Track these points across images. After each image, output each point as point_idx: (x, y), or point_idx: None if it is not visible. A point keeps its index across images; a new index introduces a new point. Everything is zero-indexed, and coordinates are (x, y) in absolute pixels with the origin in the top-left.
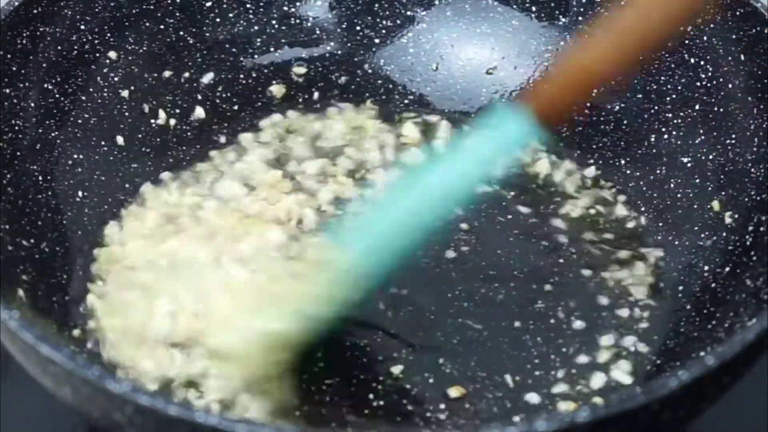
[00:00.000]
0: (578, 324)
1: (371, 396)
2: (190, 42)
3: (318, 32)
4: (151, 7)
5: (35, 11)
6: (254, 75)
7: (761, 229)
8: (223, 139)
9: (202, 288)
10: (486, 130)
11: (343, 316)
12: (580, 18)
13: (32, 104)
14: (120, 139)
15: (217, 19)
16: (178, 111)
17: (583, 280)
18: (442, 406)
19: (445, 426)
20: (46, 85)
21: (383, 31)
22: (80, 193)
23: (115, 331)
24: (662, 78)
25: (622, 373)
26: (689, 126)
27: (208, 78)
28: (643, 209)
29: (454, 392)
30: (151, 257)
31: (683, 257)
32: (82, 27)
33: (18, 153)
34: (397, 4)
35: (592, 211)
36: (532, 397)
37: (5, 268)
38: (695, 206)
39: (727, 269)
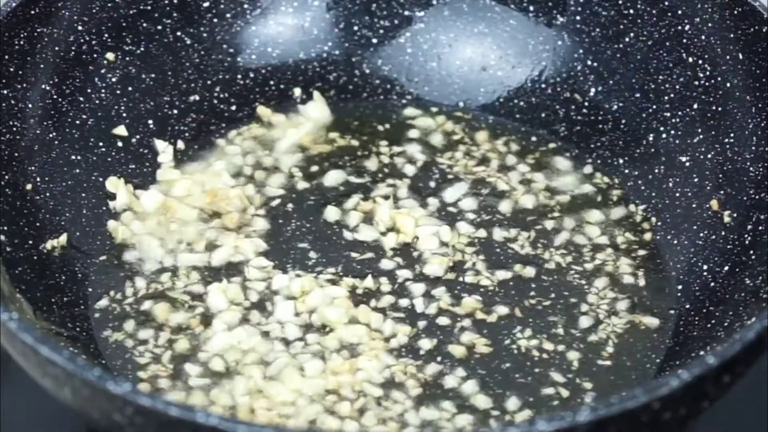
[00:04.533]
0: (574, 323)
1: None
2: (188, 43)
3: (316, 32)
4: (149, 8)
5: (33, 12)
6: (252, 75)
7: (760, 228)
8: (221, 140)
9: None
10: None
11: None
12: (577, 17)
13: (30, 105)
14: (118, 141)
15: (215, 20)
16: (175, 111)
17: (580, 279)
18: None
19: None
20: (44, 86)
21: (381, 31)
22: (79, 194)
23: None
24: (661, 77)
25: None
26: (688, 125)
27: (205, 79)
28: (641, 208)
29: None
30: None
31: (682, 256)
32: (80, 28)
33: (16, 154)
34: (394, 4)
35: (590, 211)
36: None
37: (5, 269)
38: (694, 205)
39: (726, 268)
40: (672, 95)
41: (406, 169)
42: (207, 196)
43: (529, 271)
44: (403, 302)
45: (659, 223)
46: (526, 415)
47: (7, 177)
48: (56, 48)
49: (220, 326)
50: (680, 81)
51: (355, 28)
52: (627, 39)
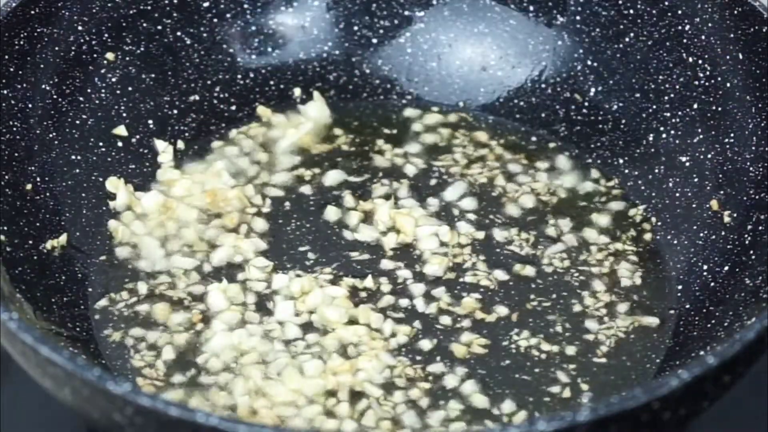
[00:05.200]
0: (573, 323)
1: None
2: (188, 43)
3: (316, 32)
4: (149, 7)
5: (33, 12)
6: (252, 75)
7: (760, 228)
8: (221, 140)
9: None
10: None
11: None
12: (577, 17)
13: (30, 105)
14: (118, 141)
15: (215, 20)
16: (175, 111)
17: (580, 279)
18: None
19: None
20: (44, 87)
21: (381, 31)
22: (79, 194)
23: None
24: (661, 77)
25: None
26: (688, 125)
27: (205, 79)
28: (641, 208)
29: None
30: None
31: (682, 256)
32: (80, 28)
33: (16, 154)
34: (394, 4)
35: (590, 211)
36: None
37: (5, 269)
38: (694, 205)
39: (726, 268)
40: (672, 95)
41: (407, 169)
42: (207, 196)
43: (529, 271)
44: (403, 302)
45: (659, 223)
46: (526, 415)
47: (7, 177)
48: (56, 48)
49: (220, 326)
50: (680, 81)
51: (355, 28)
52: (627, 39)
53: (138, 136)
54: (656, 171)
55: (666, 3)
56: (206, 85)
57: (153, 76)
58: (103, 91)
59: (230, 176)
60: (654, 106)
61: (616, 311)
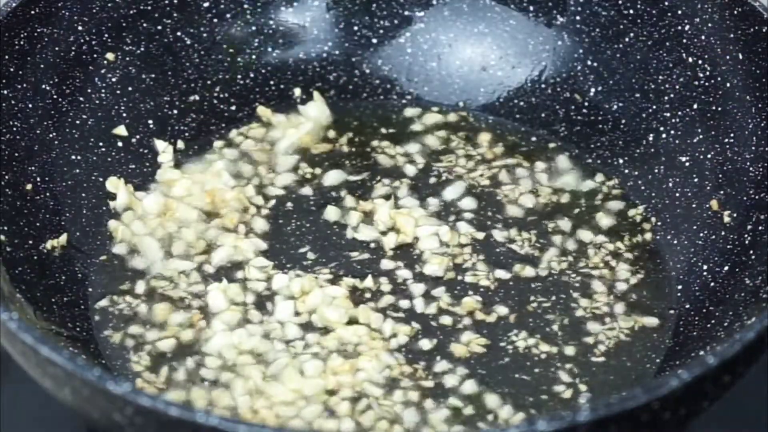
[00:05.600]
0: (574, 323)
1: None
2: (188, 43)
3: (316, 32)
4: (149, 8)
5: (33, 12)
6: (252, 75)
7: (760, 228)
8: (221, 140)
9: None
10: None
11: None
12: (577, 17)
13: (30, 105)
14: (118, 141)
15: (215, 20)
16: (175, 112)
17: (580, 279)
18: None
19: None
20: (44, 87)
21: (381, 31)
22: (79, 194)
23: None
24: (660, 77)
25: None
26: (688, 125)
27: (205, 79)
28: (641, 208)
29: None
30: None
31: (682, 256)
32: (80, 28)
33: (16, 154)
34: (394, 4)
35: (590, 211)
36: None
37: (5, 269)
38: (694, 205)
39: (726, 268)
40: (672, 95)
41: (406, 169)
42: (207, 196)
43: (529, 271)
44: (403, 302)
45: (659, 223)
46: (526, 415)
47: (7, 177)
48: (56, 48)
49: (220, 326)
50: (680, 81)
51: (355, 28)
52: (627, 39)
53: (138, 136)
54: (656, 171)
55: (666, 3)
56: (206, 85)
57: (153, 76)
58: (103, 91)
59: (230, 176)
60: (654, 106)
61: (615, 311)
